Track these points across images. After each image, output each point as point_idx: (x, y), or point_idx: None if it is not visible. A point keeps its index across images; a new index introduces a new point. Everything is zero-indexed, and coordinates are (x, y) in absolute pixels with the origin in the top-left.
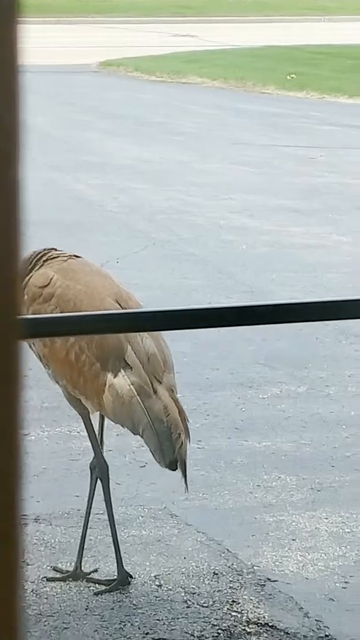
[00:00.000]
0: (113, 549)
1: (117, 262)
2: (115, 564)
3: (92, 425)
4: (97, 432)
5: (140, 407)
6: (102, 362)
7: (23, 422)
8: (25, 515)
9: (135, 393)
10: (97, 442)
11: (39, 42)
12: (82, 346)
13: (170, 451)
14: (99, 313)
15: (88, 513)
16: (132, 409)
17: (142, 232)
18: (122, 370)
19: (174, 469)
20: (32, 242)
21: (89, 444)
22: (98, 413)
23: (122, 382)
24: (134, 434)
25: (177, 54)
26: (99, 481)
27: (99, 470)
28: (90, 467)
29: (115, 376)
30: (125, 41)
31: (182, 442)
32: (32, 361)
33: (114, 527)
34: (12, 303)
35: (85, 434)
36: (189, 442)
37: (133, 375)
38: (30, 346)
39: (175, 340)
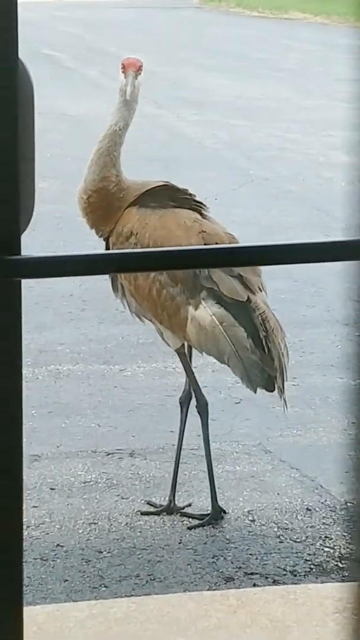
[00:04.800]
0: (207, 484)
1: (216, 199)
2: (210, 499)
3: (188, 362)
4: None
5: (223, 336)
6: (182, 295)
7: (21, 360)
8: (120, 449)
9: (217, 323)
10: (194, 379)
11: None
12: (163, 281)
13: (259, 377)
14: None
15: (179, 448)
16: (215, 339)
17: (241, 169)
18: (202, 302)
19: (272, 390)
20: (134, 178)
21: (184, 379)
22: (186, 350)
23: (203, 313)
24: (221, 363)
25: None
26: (188, 416)
27: (199, 407)
28: (179, 402)
29: (196, 308)
30: None
31: (284, 348)
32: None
33: (211, 463)
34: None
35: (180, 370)
36: (288, 357)
37: (214, 306)
38: (118, 284)
39: (273, 278)
